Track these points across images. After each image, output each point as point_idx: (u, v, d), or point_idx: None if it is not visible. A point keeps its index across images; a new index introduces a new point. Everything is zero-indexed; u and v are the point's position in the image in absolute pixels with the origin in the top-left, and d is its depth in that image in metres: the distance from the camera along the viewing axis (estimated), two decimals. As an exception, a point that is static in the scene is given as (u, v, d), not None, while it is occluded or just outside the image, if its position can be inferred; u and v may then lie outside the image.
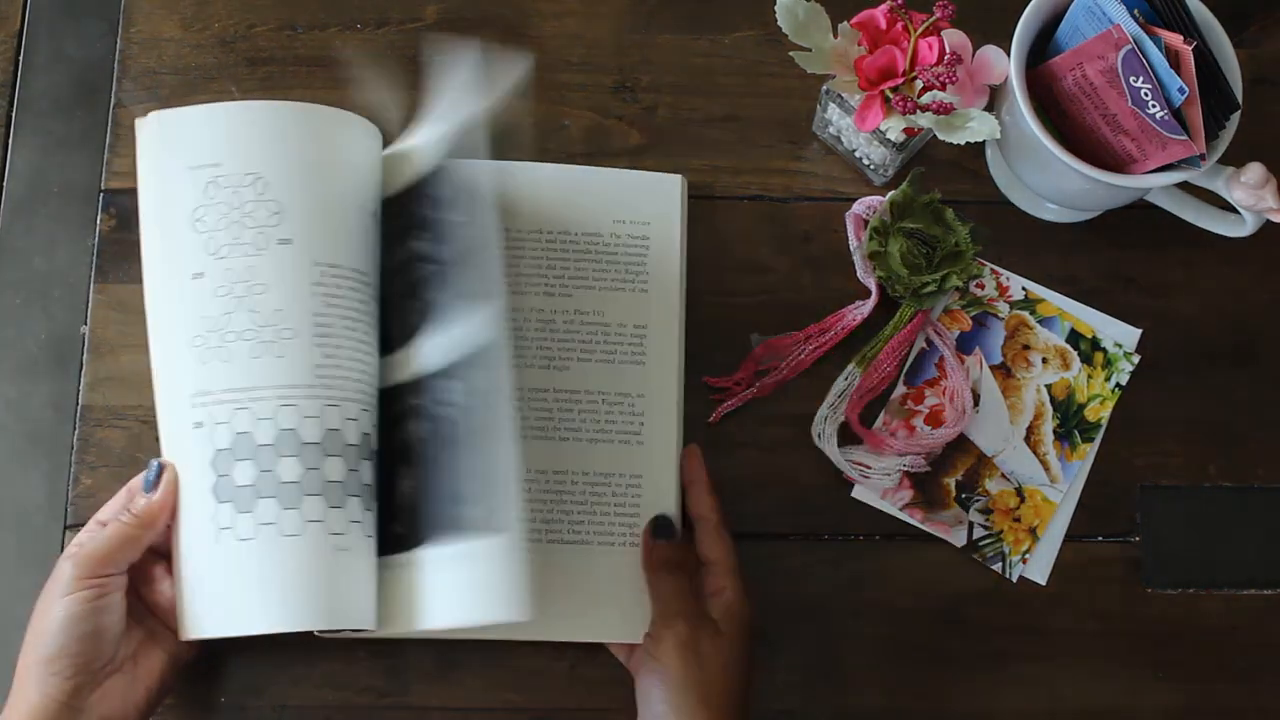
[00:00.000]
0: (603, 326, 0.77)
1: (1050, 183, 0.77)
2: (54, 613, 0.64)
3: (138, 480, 0.69)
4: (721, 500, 0.73)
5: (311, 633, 0.71)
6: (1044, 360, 0.79)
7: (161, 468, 0.68)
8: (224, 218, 0.69)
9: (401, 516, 0.70)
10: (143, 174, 0.71)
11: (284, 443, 0.67)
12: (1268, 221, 0.73)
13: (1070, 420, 0.78)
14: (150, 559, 0.69)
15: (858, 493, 0.77)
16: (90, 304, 0.79)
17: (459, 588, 0.67)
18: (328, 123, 0.71)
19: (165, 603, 0.69)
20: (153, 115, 0.71)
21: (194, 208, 0.69)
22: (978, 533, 0.77)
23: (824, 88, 0.78)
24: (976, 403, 0.78)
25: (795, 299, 0.80)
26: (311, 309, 0.68)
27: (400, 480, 0.71)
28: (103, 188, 0.81)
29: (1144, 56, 0.69)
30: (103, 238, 0.80)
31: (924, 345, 0.79)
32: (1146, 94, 0.69)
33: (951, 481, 0.77)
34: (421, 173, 0.73)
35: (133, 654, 0.67)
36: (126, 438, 0.77)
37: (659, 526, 0.73)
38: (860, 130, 0.73)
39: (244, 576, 0.66)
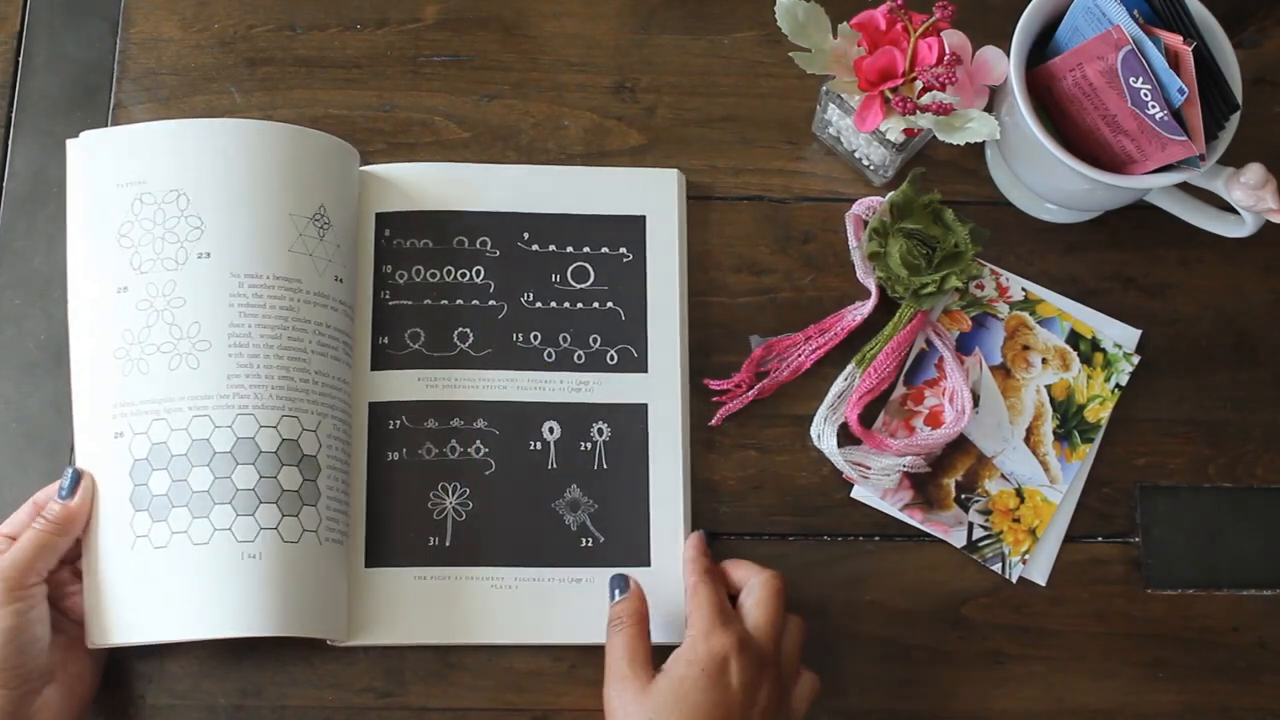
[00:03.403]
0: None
1: (1050, 183, 0.77)
2: None
3: (44, 493, 0.70)
4: (719, 505, 0.73)
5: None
6: (1044, 361, 0.79)
7: (79, 474, 0.69)
8: (148, 233, 0.72)
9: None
10: (72, 192, 0.74)
11: (196, 452, 0.69)
12: (1267, 222, 0.73)
13: (1070, 421, 0.78)
14: (60, 567, 0.70)
15: (858, 493, 0.77)
16: (90, 304, 0.79)
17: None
18: (252, 136, 0.73)
19: (79, 609, 0.70)
20: (84, 135, 0.74)
21: (120, 223, 0.72)
22: (977, 533, 0.77)
23: (824, 88, 0.78)
24: (976, 403, 0.78)
25: (795, 299, 0.80)
26: (228, 320, 0.70)
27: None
28: (103, 188, 0.81)
29: (1144, 57, 0.69)
30: (103, 238, 0.80)
31: (924, 346, 0.79)
32: (1146, 94, 0.69)
33: (951, 482, 0.77)
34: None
35: (60, 662, 0.68)
36: (126, 438, 0.77)
37: (617, 584, 0.71)
38: (860, 131, 0.73)
39: (157, 584, 0.68)
